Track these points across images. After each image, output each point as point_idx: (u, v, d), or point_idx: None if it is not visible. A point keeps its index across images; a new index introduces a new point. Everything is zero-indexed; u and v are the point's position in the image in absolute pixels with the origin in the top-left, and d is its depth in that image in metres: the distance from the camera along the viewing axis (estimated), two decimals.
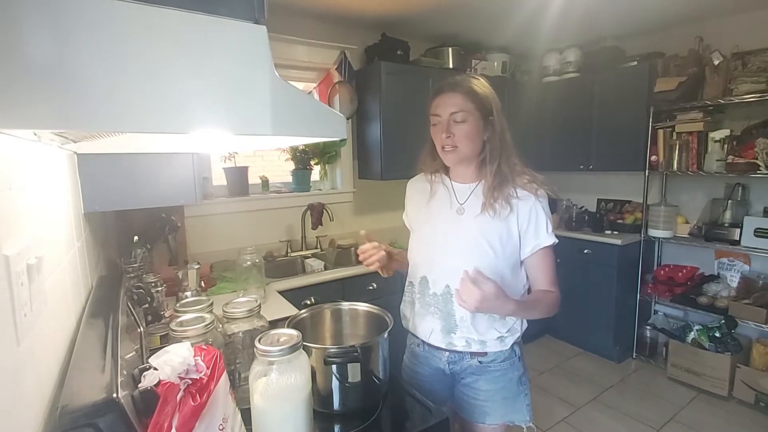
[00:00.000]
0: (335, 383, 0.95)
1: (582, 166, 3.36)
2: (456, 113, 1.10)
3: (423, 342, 1.25)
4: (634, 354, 3.22)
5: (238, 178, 2.57)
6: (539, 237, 1.13)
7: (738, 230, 2.67)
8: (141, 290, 1.26)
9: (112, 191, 1.26)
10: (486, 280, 0.99)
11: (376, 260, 1.22)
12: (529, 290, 1.20)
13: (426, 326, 1.22)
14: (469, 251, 1.14)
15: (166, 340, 1.13)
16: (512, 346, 1.20)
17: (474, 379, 1.21)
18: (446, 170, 1.25)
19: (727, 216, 2.79)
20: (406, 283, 1.30)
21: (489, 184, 1.14)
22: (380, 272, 1.28)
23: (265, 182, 2.77)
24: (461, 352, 1.19)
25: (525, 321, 1.23)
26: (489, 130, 1.14)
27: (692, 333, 2.83)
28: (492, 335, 1.17)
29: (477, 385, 1.21)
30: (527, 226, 1.13)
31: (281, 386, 0.77)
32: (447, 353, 1.21)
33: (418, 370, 1.28)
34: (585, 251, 3.18)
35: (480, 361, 1.19)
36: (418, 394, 1.07)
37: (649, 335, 3.16)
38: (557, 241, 1.16)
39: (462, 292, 1.00)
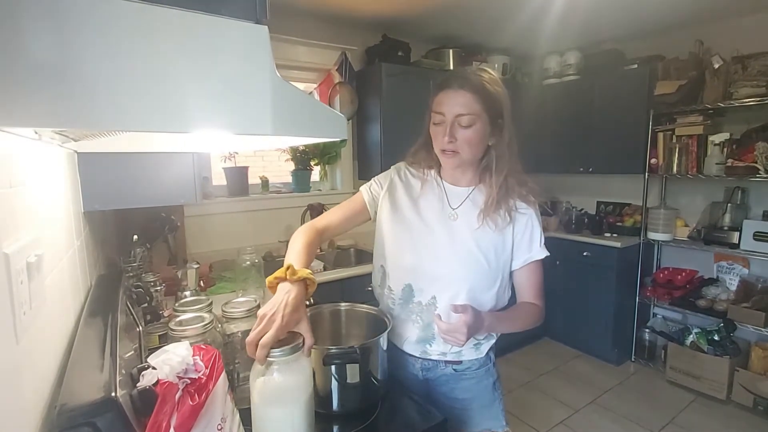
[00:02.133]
0: (334, 384, 0.95)
1: (582, 169, 3.37)
2: (462, 116, 0.99)
3: (396, 347, 1.18)
4: (633, 357, 3.22)
5: (238, 178, 2.57)
6: (532, 250, 1.10)
7: (737, 233, 2.67)
8: (140, 289, 1.25)
9: (112, 190, 1.26)
10: (462, 309, 0.95)
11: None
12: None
13: (402, 333, 1.16)
14: (461, 260, 1.08)
15: (165, 339, 1.13)
16: (487, 352, 1.17)
17: (450, 389, 1.16)
18: (439, 168, 1.16)
19: (727, 219, 2.79)
20: (381, 283, 1.21)
21: (493, 195, 1.06)
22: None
23: (264, 182, 2.77)
24: (435, 360, 1.14)
25: None
26: (496, 135, 1.05)
27: (691, 336, 2.83)
28: (468, 344, 1.10)
29: (453, 394, 1.16)
30: (521, 238, 1.09)
31: (282, 387, 0.77)
32: (420, 360, 1.16)
33: (392, 372, 1.21)
34: (584, 254, 3.18)
35: (455, 369, 1.15)
36: (416, 396, 1.07)
37: (647, 338, 3.16)
38: (548, 254, 1.12)
39: (447, 335, 0.95)
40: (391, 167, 1.25)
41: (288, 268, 0.88)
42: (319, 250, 2.80)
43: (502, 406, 1.20)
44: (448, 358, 1.14)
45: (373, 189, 1.21)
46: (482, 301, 1.09)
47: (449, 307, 1.00)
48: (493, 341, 1.17)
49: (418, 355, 1.15)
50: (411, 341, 1.15)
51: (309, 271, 0.90)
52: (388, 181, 1.20)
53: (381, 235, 1.18)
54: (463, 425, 1.17)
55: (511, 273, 1.14)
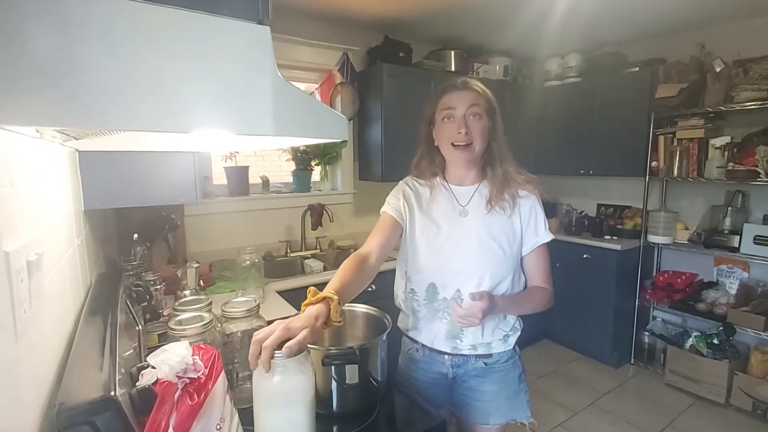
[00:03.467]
0: (333, 385, 0.95)
1: (582, 171, 3.37)
2: (474, 106, 1.10)
3: (424, 346, 1.22)
4: (632, 359, 3.22)
5: (239, 177, 2.57)
6: (538, 234, 1.17)
7: (737, 237, 2.67)
8: (140, 288, 1.25)
9: (113, 189, 1.26)
10: (479, 296, 1.03)
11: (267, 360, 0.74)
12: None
13: (430, 331, 1.20)
14: (478, 252, 1.13)
15: (165, 338, 1.12)
16: (514, 345, 1.22)
17: (478, 382, 1.20)
18: (443, 174, 1.23)
19: (727, 223, 2.79)
20: (404, 289, 1.24)
21: (497, 184, 1.15)
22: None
23: (265, 182, 2.77)
24: (466, 355, 1.18)
25: (521, 320, 1.25)
26: (495, 130, 1.15)
27: (690, 339, 2.83)
28: (497, 336, 1.18)
29: (481, 387, 1.20)
30: (528, 223, 1.16)
31: (284, 389, 0.76)
32: (450, 357, 1.19)
33: (417, 377, 1.24)
34: (584, 256, 3.18)
35: (485, 363, 1.19)
36: (415, 396, 1.07)
37: (647, 341, 3.16)
38: (554, 237, 1.19)
39: (464, 318, 1.04)
40: (399, 182, 1.29)
41: (309, 292, 0.91)
42: (318, 250, 2.80)
43: (527, 397, 1.25)
44: (479, 351, 1.18)
45: (392, 203, 1.23)
46: (501, 287, 1.15)
47: (468, 296, 1.07)
48: (519, 333, 1.22)
49: (449, 351, 1.19)
50: (441, 338, 1.19)
51: (331, 291, 0.91)
52: (401, 192, 1.25)
53: (403, 243, 1.24)
54: (489, 416, 1.21)
55: (521, 259, 1.20)
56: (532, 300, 1.19)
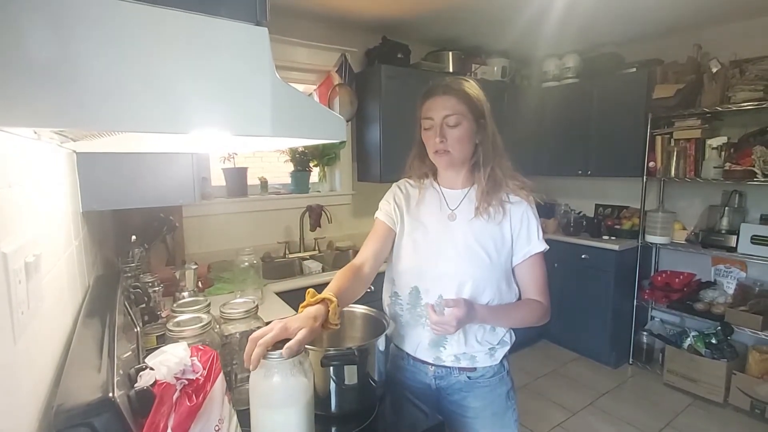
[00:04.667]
0: (332, 385, 0.95)
1: (580, 172, 3.37)
2: (449, 116, 1.07)
3: (408, 355, 1.19)
4: (631, 360, 3.22)
5: (237, 178, 2.57)
6: (531, 243, 1.11)
7: (735, 237, 2.68)
8: (138, 290, 1.25)
9: (111, 190, 1.26)
10: (454, 303, 0.99)
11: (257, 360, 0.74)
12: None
13: (413, 339, 1.17)
14: (463, 257, 1.10)
15: (163, 340, 1.12)
16: (501, 360, 1.16)
17: (462, 396, 1.15)
18: (435, 175, 1.22)
19: (724, 223, 2.80)
20: (390, 293, 1.22)
21: (483, 188, 1.11)
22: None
23: (263, 183, 2.77)
24: (449, 367, 1.14)
25: (514, 334, 1.20)
26: (481, 133, 1.11)
27: (688, 339, 2.84)
28: (482, 348, 1.13)
29: (466, 402, 1.15)
30: (519, 231, 1.11)
31: (282, 390, 0.76)
32: (433, 368, 1.15)
33: (403, 385, 1.20)
34: (582, 256, 3.18)
35: (469, 377, 1.14)
36: (413, 397, 1.07)
37: (645, 341, 3.16)
38: (548, 247, 1.13)
39: (437, 325, 0.99)
40: (393, 185, 1.28)
41: (308, 293, 0.92)
42: (317, 251, 2.80)
43: (515, 416, 1.19)
44: (462, 364, 1.13)
45: (384, 208, 1.23)
46: (485, 295, 1.10)
47: (443, 302, 1.03)
48: (507, 348, 1.17)
49: (431, 362, 1.15)
50: (424, 346, 1.15)
51: (330, 293, 0.92)
52: (392, 195, 1.24)
53: (393, 246, 1.21)
54: None
55: (513, 270, 1.15)
56: (521, 312, 1.13)
